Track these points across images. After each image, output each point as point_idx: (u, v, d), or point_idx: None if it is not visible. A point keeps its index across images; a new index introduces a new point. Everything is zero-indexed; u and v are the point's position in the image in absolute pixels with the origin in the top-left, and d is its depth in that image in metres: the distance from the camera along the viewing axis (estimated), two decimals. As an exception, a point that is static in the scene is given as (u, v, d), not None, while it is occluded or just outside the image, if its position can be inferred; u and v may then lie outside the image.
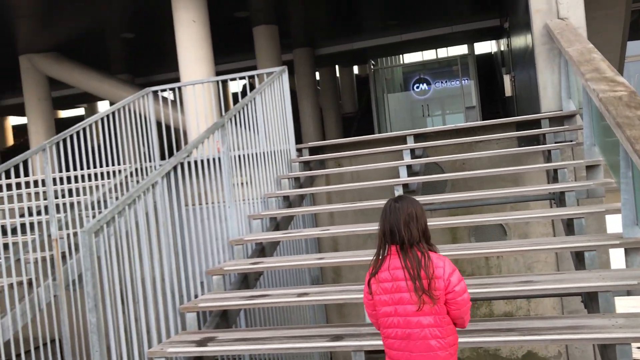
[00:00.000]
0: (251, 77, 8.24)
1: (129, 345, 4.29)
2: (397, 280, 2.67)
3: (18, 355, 5.78)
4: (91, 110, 24.20)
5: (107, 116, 8.16)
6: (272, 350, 4.13)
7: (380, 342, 3.89)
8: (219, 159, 6.02)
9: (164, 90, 8.73)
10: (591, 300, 4.36)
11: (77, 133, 7.10)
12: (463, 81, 21.01)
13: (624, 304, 9.52)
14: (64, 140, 6.86)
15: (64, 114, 27.40)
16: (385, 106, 20.76)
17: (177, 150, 6.77)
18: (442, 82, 21.98)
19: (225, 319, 5.12)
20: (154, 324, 4.60)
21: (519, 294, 4.19)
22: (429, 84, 22.02)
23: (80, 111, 26.28)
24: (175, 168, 5.07)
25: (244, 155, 6.57)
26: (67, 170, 7.48)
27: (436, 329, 2.62)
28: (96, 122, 7.44)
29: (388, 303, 2.71)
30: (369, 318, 2.93)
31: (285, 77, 7.87)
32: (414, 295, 2.64)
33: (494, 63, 22.48)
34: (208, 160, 5.98)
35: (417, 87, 22.08)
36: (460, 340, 3.77)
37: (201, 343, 4.35)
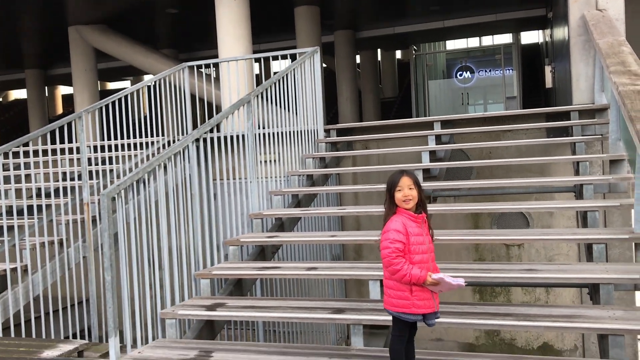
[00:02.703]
0: (284, 57, 8.39)
1: (142, 306, 4.53)
2: None
3: (47, 314, 6.14)
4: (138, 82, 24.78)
5: (144, 89, 8.48)
6: (275, 318, 4.31)
7: (379, 317, 4.03)
8: (244, 135, 6.20)
9: (200, 66, 8.94)
10: (595, 292, 4.39)
11: (113, 103, 7.41)
12: (506, 71, 20.68)
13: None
14: (102, 110, 7.18)
15: (111, 85, 28.18)
16: (425, 93, 20.62)
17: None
18: (485, 71, 21.68)
19: (239, 287, 5.33)
20: (175, 288, 4.84)
21: (518, 281, 4.25)
22: (472, 72, 21.74)
23: (127, 84, 26.96)
24: (197, 141, 5.26)
25: (270, 134, 6.74)
26: (104, 139, 7.84)
27: (383, 271, 3.29)
28: (131, 94, 7.71)
29: None
30: None
31: (317, 57, 7.97)
32: None
33: (540, 53, 22.01)
34: (234, 136, 6.17)
35: (460, 75, 21.83)
36: (455, 320, 3.90)
37: (211, 308, 4.56)
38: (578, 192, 6.30)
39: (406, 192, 3.26)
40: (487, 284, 7.10)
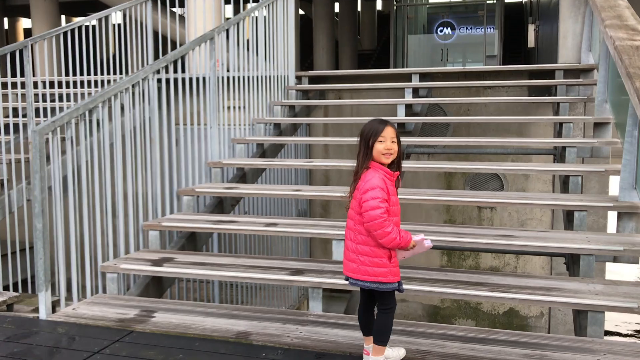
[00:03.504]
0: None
1: (80, 258, 4.10)
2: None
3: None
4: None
5: (101, 23, 7.83)
6: (226, 278, 3.92)
7: (340, 281, 3.67)
8: (204, 78, 5.67)
9: (165, 1, 8.28)
10: (574, 263, 4.10)
11: (65, 35, 6.79)
12: (488, 29, 20.22)
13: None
14: (60, 44, 6.59)
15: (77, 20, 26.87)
16: (405, 47, 20.08)
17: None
18: (467, 28, 21.18)
19: (192, 241, 4.91)
20: (120, 240, 4.42)
21: (494, 247, 3.92)
22: (453, 28, 21.21)
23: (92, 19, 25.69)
24: (145, 80, 4.72)
25: (236, 77, 6.22)
26: (67, 74, 7.23)
27: (353, 233, 2.82)
28: (86, 27, 7.08)
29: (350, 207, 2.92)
30: None
31: (292, -2, 7.39)
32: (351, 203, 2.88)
33: (523, 13, 21.56)
34: (193, 78, 5.64)
35: (441, 31, 21.29)
36: (426, 288, 3.56)
37: (157, 263, 4.15)
38: (559, 155, 5.98)
39: (389, 144, 2.78)
40: (461, 249, 6.82)
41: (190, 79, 5.55)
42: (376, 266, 2.75)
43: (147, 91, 4.71)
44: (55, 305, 4.00)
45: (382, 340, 2.83)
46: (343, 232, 4.12)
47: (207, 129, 5.65)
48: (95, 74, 7.35)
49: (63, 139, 4.67)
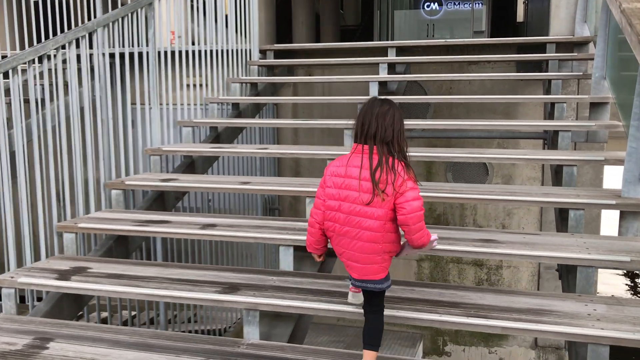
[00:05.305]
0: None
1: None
2: (350, 177, 2.49)
3: None
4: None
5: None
6: (143, 296, 3.17)
7: (283, 302, 2.98)
8: (139, 53, 4.88)
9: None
10: (568, 272, 3.41)
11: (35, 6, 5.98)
12: (476, 4, 19.51)
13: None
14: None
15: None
16: (389, 23, 19.29)
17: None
18: (454, 3, 20.48)
19: (122, 244, 4.17)
20: (26, 245, 3.68)
21: (473, 256, 3.22)
22: (440, 3, 20.49)
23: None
24: (46, 59, 3.93)
25: (184, 51, 5.43)
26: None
27: (381, 234, 2.45)
28: None
29: (335, 197, 2.52)
30: (313, 208, 2.61)
31: (255, -41, 6.58)
32: (362, 195, 2.45)
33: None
34: (126, 53, 4.85)
35: (428, 6, 20.55)
36: (391, 313, 2.85)
37: (65, 275, 3.41)
38: (550, 139, 5.27)
39: None
40: (437, 255, 6.14)
41: (122, 54, 4.73)
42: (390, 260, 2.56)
43: (69, 65, 3.93)
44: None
45: (378, 343, 2.56)
46: (295, 237, 3.42)
47: (146, 109, 4.88)
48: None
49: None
